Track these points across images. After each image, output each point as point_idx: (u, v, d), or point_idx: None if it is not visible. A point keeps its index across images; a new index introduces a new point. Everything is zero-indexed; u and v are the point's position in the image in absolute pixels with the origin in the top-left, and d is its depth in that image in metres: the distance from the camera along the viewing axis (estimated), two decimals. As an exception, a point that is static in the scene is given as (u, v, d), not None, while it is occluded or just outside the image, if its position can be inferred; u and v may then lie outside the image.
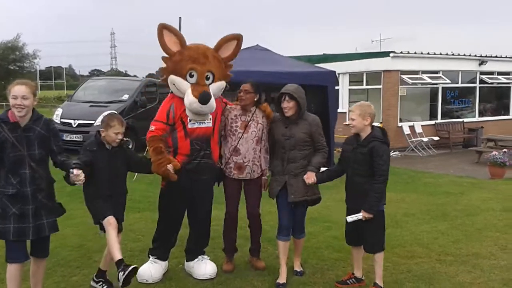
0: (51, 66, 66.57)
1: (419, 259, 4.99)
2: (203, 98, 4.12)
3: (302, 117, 4.40)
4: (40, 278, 3.87)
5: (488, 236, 5.80)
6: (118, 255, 3.79)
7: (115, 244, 3.83)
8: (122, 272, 3.67)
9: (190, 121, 4.27)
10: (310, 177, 4.32)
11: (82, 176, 3.58)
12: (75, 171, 3.54)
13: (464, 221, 6.51)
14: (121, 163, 4.11)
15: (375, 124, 4.24)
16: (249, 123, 4.52)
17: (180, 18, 12.99)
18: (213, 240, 4.93)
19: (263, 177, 4.67)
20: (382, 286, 4.14)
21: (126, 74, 47.53)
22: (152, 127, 4.30)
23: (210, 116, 4.34)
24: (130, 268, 3.68)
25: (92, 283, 4.19)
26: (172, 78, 4.28)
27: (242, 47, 4.59)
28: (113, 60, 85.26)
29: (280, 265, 4.43)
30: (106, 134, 3.98)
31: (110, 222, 3.90)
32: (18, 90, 3.49)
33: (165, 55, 4.31)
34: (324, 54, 17.70)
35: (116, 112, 4.25)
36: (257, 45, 11.19)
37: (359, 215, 4.06)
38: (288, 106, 4.33)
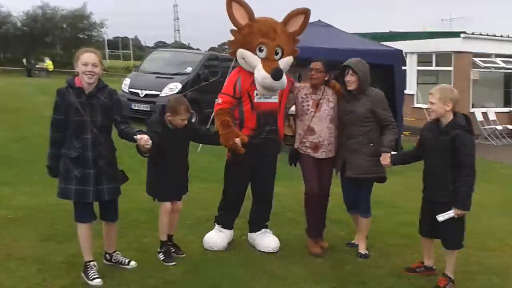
0: (118, 37, 68.46)
1: (492, 252, 4.79)
2: (276, 74, 4.10)
3: (364, 92, 4.32)
4: (113, 238, 4.06)
5: None
6: (164, 237, 4.19)
7: (164, 228, 4.17)
8: (163, 255, 4.16)
9: (257, 95, 4.26)
10: (385, 159, 4.21)
11: (146, 139, 3.58)
12: (138, 136, 3.59)
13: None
14: (184, 142, 4.18)
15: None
16: (320, 101, 4.45)
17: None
18: (274, 216, 4.96)
19: None
20: (453, 278, 3.95)
21: (189, 47, 48.05)
22: (219, 100, 4.31)
23: (278, 92, 4.31)
24: (164, 258, 4.14)
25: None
26: (242, 51, 4.26)
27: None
28: (177, 32, 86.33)
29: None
30: (173, 119, 4.01)
31: (166, 208, 4.13)
32: (88, 57, 3.59)
33: (234, 27, 4.27)
34: (390, 31, 17.15)
35: (182, 96, 4.25)
36: (319, 20, 10.91)
37: (451, 213, 3.76)
38: (351, 80, 4.28)
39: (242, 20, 4.24)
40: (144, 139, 3.57)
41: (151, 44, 76.45)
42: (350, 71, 4.29)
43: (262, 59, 4.19)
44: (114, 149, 3.83)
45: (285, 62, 4.31)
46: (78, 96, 3.58)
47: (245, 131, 4.30)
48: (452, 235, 3.89)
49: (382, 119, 4.33)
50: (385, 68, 9.69)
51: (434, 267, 4.21)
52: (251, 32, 4.22)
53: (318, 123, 4.43)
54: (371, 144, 4.33)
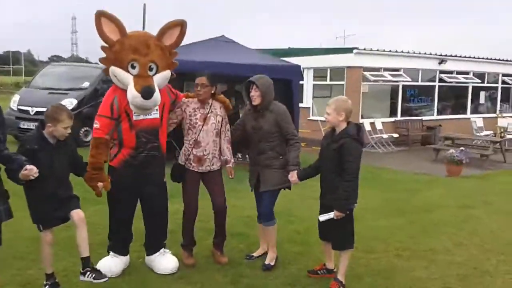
0: (9, 51, 64.31)
1: (377, 254, 5.09)
2: (146, 93, 3.94)
3: (268, 107, 4.47)
4: None
5: (444, 232, 5.98)
6: (49, 270, 3.92)
7: (47, 259, 3.89)
8: None
9: (135, 113, 4.11)
10: (292, 176, 4.41)
11: (36, 171, 3.41)
12: (28, 167, 3.38)
13: (421, 217, 6.68)
14: (66, 158, 3.91)
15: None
16: (208, 115, 4.49)
17: (144, 5, 12.76)
18: (173, 234, 4.88)
19: (228, 166, 4.68)
20: (344, 282, 4.18)
21: (87, 61, 46.28)
22: (96, 124, 4.07)
23: (157, 107, 4.18)
24: None
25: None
26: (113, 69, 4.08)
27: (208, 37, 4.63)
28: (74, 46, 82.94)
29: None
30: (54, 129, 3.73)
31: (46, 239, 3.82)
32: None
33: (104, 44, 4.08)
34: (289, 48, 17.78)
35: (62, 104, 4.04)
36: (223, 36, 11.12)
37: (331, 214, 4.02)
38: (255, 95, 4.43)
39: (114, 35, 4.04)
40: (34, 171, 3.39)
41: (45, 59, 72.50)
42: (254, 86, 4.42)
43: (134, 76, 4.02)
44: None
45: (160, 77, 4.16)
46: None
47: (125, 151, 4.15)
48: (338, 236, 4.17)
49: (285, 132, 4.48)
50: (284, 82, 10.03)
51: (335, 269, 4.41)
52: (122, 49, 4.02)
53: (205, 137, 4.47)
54: (281, 157, 4.51)
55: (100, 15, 4.01)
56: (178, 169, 4.57)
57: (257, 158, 4.56)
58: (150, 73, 4.08)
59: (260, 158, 4.52)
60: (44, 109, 12.29)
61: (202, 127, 4.46)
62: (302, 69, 11.19)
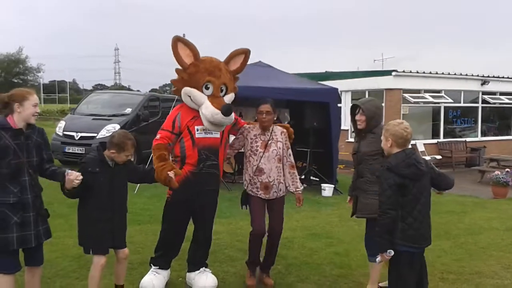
0: (54, 80, 66.94)
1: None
2: (227, 110, 4.19)
3: (371, 130, 4.25)
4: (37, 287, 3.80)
5: (491, 255, 5.75)
6: None
7: (94, 286, 3.83)
8: None
9: (197, 130, 4.28)
10: None
11: (77, 175, 3.51)
12: (69, 171, 3.51)
13: (467, 239, 6.46)
14: (124, 180, 3.99)
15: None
16: (269, 142, 4.54)
17: (183, 34, 13.10)
18: (213, 255, 4.89)
19: (296, 192, 4.61)
20: None
21: (129, 89, 47.68)
22: (157, 135, 4.31)
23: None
24: None
25: None
26: (188, 90, 4.31)
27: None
28: (117, 75, 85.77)
29: None
30: (117, 155, 3.82)
31: (100, 262, 3.81)
32: (37, 98, 3.61)
33: (179, 67, 4.34)
34: (326, 71, 17.81)
35: (125, 131, 4.16)
36: (260, 61, 11.27)
37: (379, 257, 3.52)
38: (361, 119, 4.27)
39: (188, 59, 4.32)
40: (74, 175, 3.51)
41: (89, 87, 75.20)
42: (360, 111, 4.27)
43: (208, 96, 4.28)
44: (41, 188, 3.68)
45: (228, 99, 4.42)
46: (15, 137, 3.45)
47: (186, 168, 4.28)
48: (389, 278, 3.66)
49: None
50: (322, 106, 10.03)
51: None
52: (197, 71, 4.29)
53: (267, 163, 4.50)
54: None
55: (177, 40, 4.29)
56: (246, 195, 4.62)
57: (356, 181, 4.34)
58: (221, 94, 4.35)
59: (358, 182, 4.29)
60: (88, 134, 12.78)
61: (263, 153, 4.51)
62: (340, 92, 11.16)
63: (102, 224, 3.78)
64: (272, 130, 4.60)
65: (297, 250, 5.68)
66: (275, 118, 4.65)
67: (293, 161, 4.71)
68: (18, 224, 3.44)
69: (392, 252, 3.40)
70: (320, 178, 10.44)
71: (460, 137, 16.45)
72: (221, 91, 4.37)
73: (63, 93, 62.27)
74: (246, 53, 4.61)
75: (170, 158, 4.29)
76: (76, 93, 64.41)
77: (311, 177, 10.57)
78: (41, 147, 3.64)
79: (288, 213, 4.81)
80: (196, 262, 4.54)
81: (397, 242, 3.40)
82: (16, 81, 38.64)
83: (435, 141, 15.61)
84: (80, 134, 11.89)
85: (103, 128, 11.78)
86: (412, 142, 14.18)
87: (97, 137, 11.45)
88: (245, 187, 4.63)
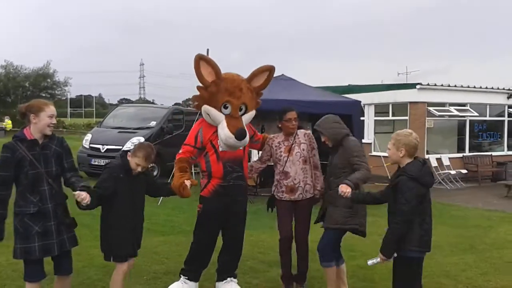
0: (81, 95, 68.32)
1: (446, 291, 4.86)
2: (240, 135, 4.26)
3: (341, 143, 4.35)
4: None
5: (517, 269, 5.63)
6: None
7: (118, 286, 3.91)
8: None
9: (220, 144, 4.37)
10: (344, 188, 3.91)
11: (84, 196, 3.52)
12: (76, 193, 3.53)
13: (493, 254, 6.34)
14: (142, 190, 4.08)
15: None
16: (292, 145, 4.62)
17: (207, 50, 13.25)
18: (239, 263, 4.91)
19: (318, 191, 4.66)
20: None
21: (153, 103, 48.30)
22: (180, 150, 4.42)
23: None
24: None
25: None
26: (207, 108, 4.37)
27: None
28: (142, 89, 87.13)
29: None
30: (131, 160, 3.92)
31: (123, 268, 3.91)
32: (53, 109, 3.64)
33: (200, 84, 4.38)
34: (349, 85, 17.76)
35: (150, 143, 4.28)
36: (283, 74, 11.34)
37: (378, 259, 3.62)
38: (325, 139, 4.42)
39: (209, 77, 4.33)
40: (81, 197, 3.51)
41: (115, 102, 76.40)
42: (320, 133, 4.44)
43: (226, 115, 4.33)
44: (66, 196, 3.76)
45: (248, 117, 4.48)
46: (30, 148, 3.52)
47: (214, 181, 4.37)
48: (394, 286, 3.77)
49: (354, 164, 4.20)
50: (344, 118, 9.98)
51: None
52: (218, 91, 4.31)
53: (292, 166, 4.58)
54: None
55: (200, 59, 4.31)
56: (272, 199, 4.74)
57: (326, 193, 4.49)
58: (240, 113, 4.39)
59: (327, 194, 4.42)
60: (114, 147, 13.03)
61: (287, 157, 4.59)
62: (362, 105, 11.12)
63: (123, 232, 3.87)
64: (296, 134, 4.68)
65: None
66: (298, 125, 4.71)
67: (317, 161, 4.75)
68: (40, 234, 3.51)
69: (395, 254, 3.53)
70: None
71: (486, 151, 16.15)
72: (240, 110, 4.39)
73: (89, 108, 63.34)
74: (270, 70, 4.60)
75: (193, 171, 4.36)
76: (102, 108, 65.48)
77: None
78: (61, 157, 3.69)
79: (310, 225, 4.82)
80: (227, 271, 4.60)
81: (412, 249, 3.49)
82: (44, 95, 39.25)
83: (460, 155, 15.36)
84: (106, 147, 12.16)
85: (129, 140, 12.01)
86: (437, 156, 14.17)
87: (122, 150, 11.64)
88: (273, 192, 4.73)
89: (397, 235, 3.49)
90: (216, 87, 4.33)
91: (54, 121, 3.62)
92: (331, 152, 4.43)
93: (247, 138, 4.38)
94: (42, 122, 3.56)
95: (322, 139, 4.44)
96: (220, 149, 4.35)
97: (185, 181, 4.14)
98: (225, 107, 4.32)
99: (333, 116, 4.54)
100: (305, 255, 4.70)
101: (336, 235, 4.38)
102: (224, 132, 4.26)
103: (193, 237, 4.53)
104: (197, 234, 4.51)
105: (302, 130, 4.79)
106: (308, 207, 4.68)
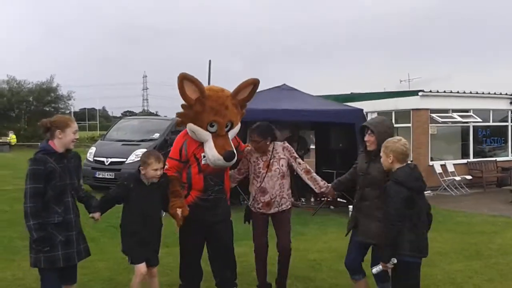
0: (85, 108, 68.44)
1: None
2: (228, 158, 4.28)
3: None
4: None
5: (524, 275, 5.60)
6: None
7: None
8: None
9: (203, 157, 4.35)
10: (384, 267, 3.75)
11: (97, 217, 4.01)
12: (90, 215, 3.99)
13: (499, 260, 6.32)
14: (158, 199, 4.18)
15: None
16: (271, 161, 4.60)
17: (209, 61, 13.32)
18: (240, 276, 4.91)
19: (324, 188, 4.64)
20: None
21: (157, 115, 48.42)
22: (166, 165, 4.34)
23: None
24: None
25: None
26: (192, 127, 4.35)
27: (270, 86, 4.74)
28: (145, 101, 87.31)
29: None
30: (146, 171, 4.05)
31: (140, 271, 4.01)
32: (76, 126, 3.85)
33: (184, 102, 4.35)
34: (351, 93, 17.77)
35: (153, 150, 4.39)
36: (284, 84, 11.38)
37: (380, 266, 3.71)
38: (370, 140, 4.10)
39: (193, 95, 4.30)
40: (95, 217, 3.97)
41: (118, 114, 76.58)
42: (369, 131, 4.12)
43: (213, 133, 4.32)
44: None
45: (233, 132, 4.51)
46: (59, 161, 3.70)
47: (193, 193, 4.38)
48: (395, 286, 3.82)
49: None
50: (347, 127, 10.03)
51: None
52: (203, 110, 4.29)
53: (270, 182, 4.58)
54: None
55: (183, 78, 4.29)
56: (250, 211, 4.75)
57: (358, 204, 4.17)
58: (226, 129, 4.39)
59: (362, 205, 4.11)
60: (117, 160, 13.10)
61: (266, 173, 4.57)
62: (365, 113, 11.13)
63: (134, 237, 4.04)
64: (273, 148, 4.65)
65: (325, 272, 5.65)
66: (268, 143, 4.61)
67: (306, 166, 4.72)
68: (63, 243, 3.66)
69: (395, 261, 3.58)
70: (347, 199, 10.39)
71: (491, 156, 16.12)
72: (226, 126, 4.39)
73: (93, 121, 63.50)
74: (255, 84, 4.60)
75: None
76: (106, 120, 65.62)
77: (338, 199, 10.52)
78: (78, 170, 3.92)
79: (315, 234, 4.85)
80: (224, 284, 4.58)
81: (406, 254, 3.58)
82: (47, 109, 39.33)
83: (465, 161, 15.33)
84: (110, 160, 12.20)
85: (132, 153, 12.05)
86: (442, 162, 14.13)
87: (126, 162, 11.74)
88: (249, 204, 4.74)
89: (389, 239, 3.59)
90: (201, 106, 4.31)
91: (77, 136, 3.84)
92: (368, 159, 4.13)
93: (235, 158, 4.41)
94: (67, 137, 3.75)
95: (366, 138, 4.12)
96: (203, 162, 4.35)
97: (177, 209, 4.19)
98: (211, 126, 4.31)
99: (389, 121, 4.40)
100: (287, 263, 4.70)
101: (368, 247, 4.19)
102: (212, 153, 4.27)
103: (180, 250, 4.57)
104: (181, 246, 4.55)
105: (279, 143, 4.73)
106: (286, 215, 4.70)
